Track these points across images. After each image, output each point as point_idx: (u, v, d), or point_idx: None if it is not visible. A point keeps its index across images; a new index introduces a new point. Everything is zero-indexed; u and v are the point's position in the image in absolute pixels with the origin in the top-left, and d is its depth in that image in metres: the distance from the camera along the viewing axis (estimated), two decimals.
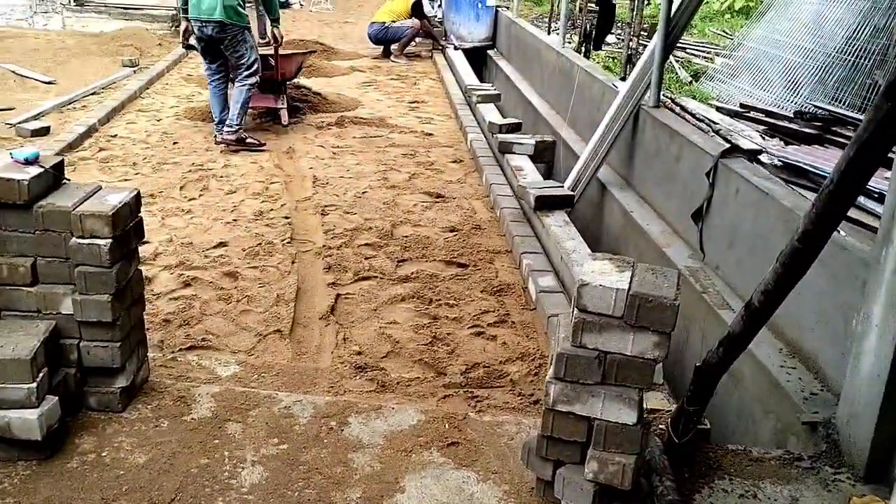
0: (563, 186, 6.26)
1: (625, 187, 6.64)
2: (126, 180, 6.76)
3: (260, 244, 5.55)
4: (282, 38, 8.26)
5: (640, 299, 2.75)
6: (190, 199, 6.39)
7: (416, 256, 5.51)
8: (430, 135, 8.75)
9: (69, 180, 3.54)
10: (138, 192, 3.54)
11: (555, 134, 8.62)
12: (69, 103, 9.27)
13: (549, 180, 6.53)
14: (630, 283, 2.83)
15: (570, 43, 10.64)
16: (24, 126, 7.90)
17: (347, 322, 4.63)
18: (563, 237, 5.43)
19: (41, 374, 3.16)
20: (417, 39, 14.07)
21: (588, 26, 11.32)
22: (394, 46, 13.63)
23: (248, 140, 7.75)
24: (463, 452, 3.37)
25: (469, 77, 11.15)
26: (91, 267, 3.30)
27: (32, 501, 2.98)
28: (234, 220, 5.98)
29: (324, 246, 5.59)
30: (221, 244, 5.55)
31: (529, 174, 6.80)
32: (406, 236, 5.83)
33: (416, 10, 13.62)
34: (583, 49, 12.32)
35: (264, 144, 7.91)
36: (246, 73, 7.64)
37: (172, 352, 4.20)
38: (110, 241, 3.28)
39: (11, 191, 3.23)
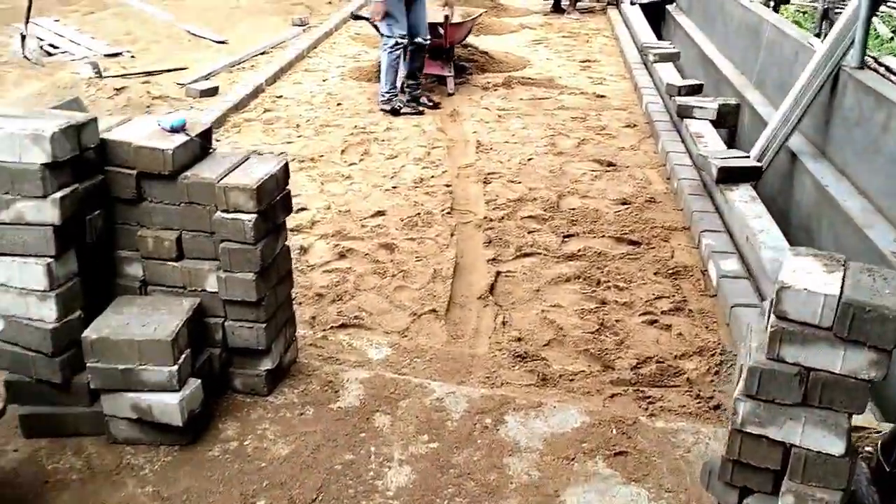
0: (748, 156, 5.64)
1: (819, 158, 5.94)
2: (288, 143, 6.66)
3: (419, 214, 5.29)
4: (452, 9, 8.02)
5: (855, 308, 2.27)
6: (350, 164, 6.21)
7: (584, 231, 5.10)
8: (603, 97, 8.23)
9: (214, 149, 3.34)
10: (286, 163, 3.31)
11: (739, 96, 7.91)
12: (239, 63, 9.31)
13: (733, 149, 5.92)
14: (842, 286, 2.35)
15: None
16: (193, 87, 7.96)
17: (507, 303, 4.29)
18: (750, 214, 4.87)
19: (183, 357, 2.99)
20: None
21: None
22: (565, 2, 13.06)
23: (403, 110, 7.59)
24: (632, 464, 2.99)
25: (646, 34, 10.48)
26: (235, 243, 3.10)
27: (172, 492, 2.84)
28: (394, 188, 5.75)
29: (485, 218, 5.27)
30: (379, 213, 5.32)
31: (711, 141, 6.21)
32: (573, 209, 5.41)
33: None
34: (771, 2, 11.39)
35: (436, 105, 7.82)
36: (383, 41, 7.58)
37: (323, 329, 4.00)
38: (255, 216, 3.07)
39: (156, 160, 3.07)
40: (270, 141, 6.69)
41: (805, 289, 2.32)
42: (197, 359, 3.14)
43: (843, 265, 2.47)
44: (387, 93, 7.58)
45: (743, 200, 5.08)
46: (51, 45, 9.69)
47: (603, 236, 5.04)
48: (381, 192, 5.68)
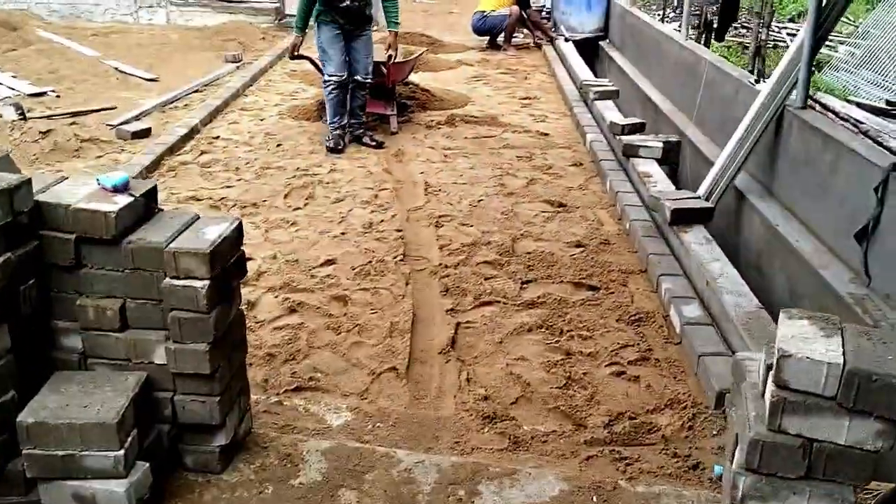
0: (699, 197, 5.59)
1: (766, 197, 5.92)
2: (228, 187, 6.41)
3: (370, 262, 5.09)
4: (396, 49, 7.77)
5: (860, 377, 2.17)
6: (295, 209, 5.98)
7: (542, 277, 4.96)
8: (546, 134, 8.16)
9: (161, 209, 3.11)
10: (240, 223, 3.09)
11: (679, 133, 7.93)
12: (171, 102, 9.02)
13: (683, 190, 5.86)
14: (843, 353, 2.23)
15: (689, 34, 9.88)
16: (124, 128, 7.64)
17: (470, 357, 4.11)
18: (707, 257, 4.80)
19: (129, 439, 2.73)
20: (524, 31, 13.49)
21: (709, 15, 10.52)
22: (501, 39, 13.07)
23: (329, 146, 7.44)
24: None
25: (583, 71, 10.50)
26: (186, 312, 2.86)
27: None
28: (343, 234, 5.54)
29: (440, 264, 5.09)
30: (329, 261, 5.10)
31: (659, 181, 6.16)
32: (528, 253, 5.28)
33: None
34: (702, 40, 11.54)
35: (379, 144, 7.65)
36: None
37: (277, 394, 3.77)
38: (207, 282, 2.83)
39: (97, 224, 2.81)
40: (209, 186, 6.43)
41: (807, 357, 2.20)
42: (145, 439, 2.88)
43: (840, 328, 2.36)
44: (329, 131, 7.46)
45: (698, 242, 5.01)
46: None
47: (561, 281, 4.90)
48: (329, 238, 5.46)
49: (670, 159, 7.20)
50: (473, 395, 3.78)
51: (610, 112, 8.07)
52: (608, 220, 5.93)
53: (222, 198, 6.15)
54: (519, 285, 4.84)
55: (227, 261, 2.97)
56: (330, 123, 7.45)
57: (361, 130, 7.65)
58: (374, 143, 7.58)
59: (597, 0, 13.34)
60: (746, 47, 12.67)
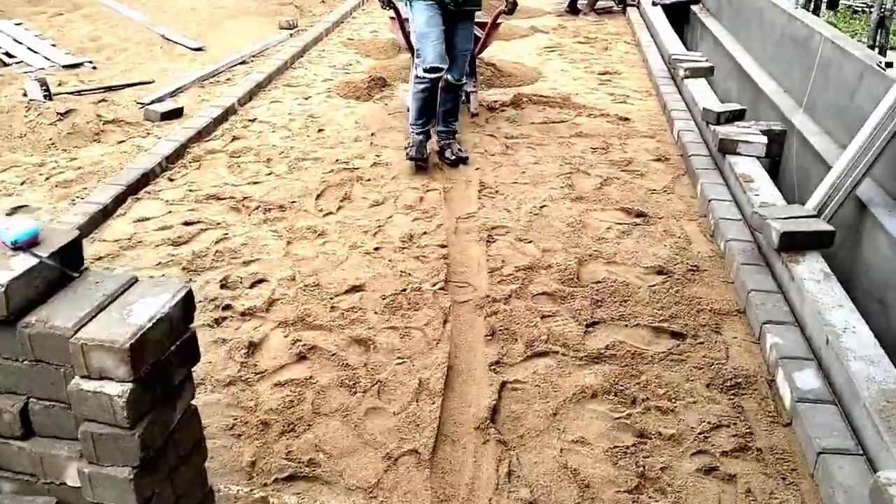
0: (815, 215, 4.55)
1: None
2: (255, 183, 5.59)
3: (405, 290, 4.22)
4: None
5: None
6: (326, 214, 5.13)
7: (613, 317, 4.02)
8: (626, 119, 7.11)
9: (87, 268, 2.28)
10: (189, 293, 2.24)
11: (784, 120, 6.82)
12: (212, 76, 8.24)
13: (794, 205, 4.79)
14: None
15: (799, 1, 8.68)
16: (153, 108, 6.89)
17: (514, 437, 3.22)
18: (827, 302, 3.78)
19: None
20: None
21: None
22: (582, 1, 11.95)
23: (411, 154, 5.90)
24: None
25: (672, 42, 9.34)
26: (101, 426, 2.05)
27: None
28: (377, 249, 4.68)
29: (487, 297, 4.19)
30: (356, 288, 4.25)
31: (763, 188, 5.12)
32: (598, 281, 4.33)
33: None
34: (811, 5, 10.28)
35: (462, 160, 6.03)
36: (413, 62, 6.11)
37: (265, 483, 2.94)
38: (130, 386, 2.01)
39: None
40: (234, 181, 5.62)
41: None
42: None
43: None
44: (411, 132, 6.04)
45: (815, 279, 3.99)
46: (6, 55, 8.64)
47: (637, 325, 3.95)
48: (360, 255, 4.61)
49: (773, 151, 6.12)
50: (514, 497, 2.90)
51: (703, 94, 6.98)
52: (698, 236, 4.92)
53: (246, 197, 5.34)
54: (583, 328, 3.92)
55: (165, 351, 2.14)
56: (412, 125, 5.99)
57: (450, 141, 6.11)
58: (456, 159, 6.01)
59: None
60: (858, 13, 11.32)
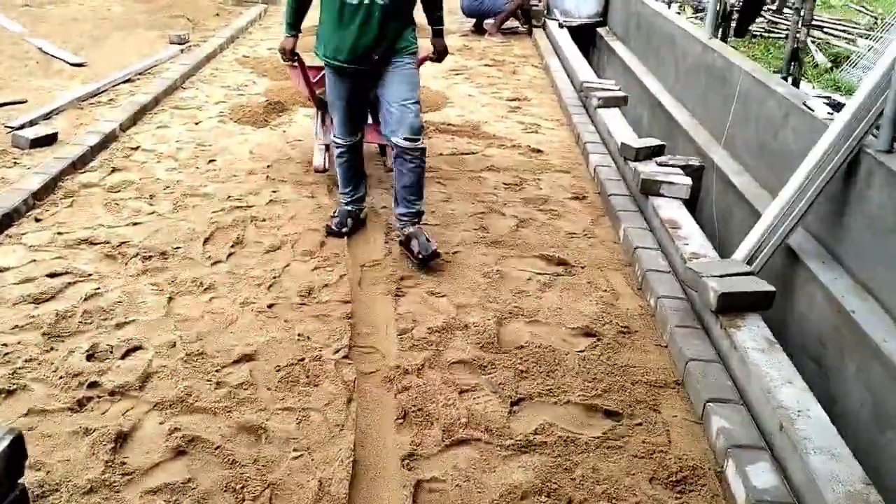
0: (752, 273, 4.20)
1: (831, 264, 4.55)
2: (135, 223, 4.96)
3: (303, 359, 3.69)
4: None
5: None
6: (215, 263, 4.56)
7: (539, 391, 3.58)
8: (539, 151, 6.73)
9: None
10: (18, 439, 1.69)
11: (700, 155, 6.55)
12: (93, 95, 7.52)
13: (729, 260, 4.42)
14: None
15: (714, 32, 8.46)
16: (22, 134, 6.15)
17: None
18: (775, 378, 3.41)
19: None
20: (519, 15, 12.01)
21: (728, 5, 9.12)
22: (489, 21, 11.60)
23: (330, 227, 5.05)
24: None
25: (581, 66, 9.04)
26: None
27: None
28: (270, 307, 4.13)
29: (397, 366, 3.69)
30: (246, 357, 3.70)
31: (692, 237, 4.78)
32: (520, 346, 3.89)
33: None
34: (718, 34, 10.12)
35: (433, 255, 4.65)
36: None
37: None
38: None
39: None
40: (111, 221, 4.98)
41: None
42: None
43: None
44: (339, 201, 5.19)
45: (758, 348, 3.63)
46: None
47: (567, 401, 3.52)
48: (252, 314, 4.05)
49: (691, 187, 5.84)
50: None
51: (618, 126, 6.66)
52: (626, 289, 4.54)
53: (123, 242, 4.71)
54: (508, 406, 3.46)
55: None
56: (340, 194, 5.17)
57: (413, 230, 4.77)
58: (425, 256, 4.61)
59: None
60: (767, 40, 11.29)
